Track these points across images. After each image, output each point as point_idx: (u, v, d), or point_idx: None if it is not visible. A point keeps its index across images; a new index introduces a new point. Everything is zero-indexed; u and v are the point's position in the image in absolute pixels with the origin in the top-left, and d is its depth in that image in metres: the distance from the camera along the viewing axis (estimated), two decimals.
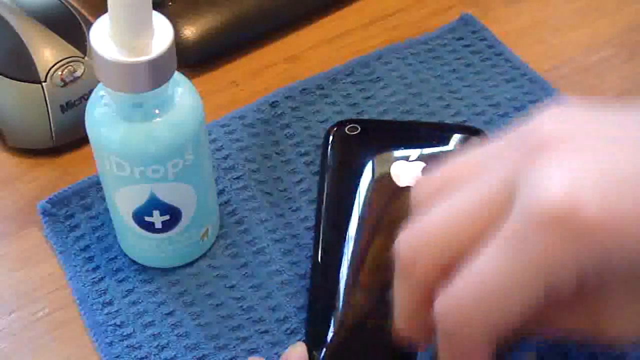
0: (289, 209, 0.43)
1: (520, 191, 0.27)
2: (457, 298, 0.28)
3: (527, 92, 0.48)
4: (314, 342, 0.36)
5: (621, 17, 0.53)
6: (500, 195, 0.28)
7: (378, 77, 0.49)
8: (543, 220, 0.26)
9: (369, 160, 0.42)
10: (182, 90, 0.35)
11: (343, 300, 0.37)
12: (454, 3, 0.54)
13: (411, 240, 0.30)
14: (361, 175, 0.42)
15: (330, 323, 0.37)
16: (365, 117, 0.47)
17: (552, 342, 0.36)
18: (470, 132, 0.44)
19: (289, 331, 0.38)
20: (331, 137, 0.44)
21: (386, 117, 0.47)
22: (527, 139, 0.28)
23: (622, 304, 0.29)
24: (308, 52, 0.51)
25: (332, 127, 0.45)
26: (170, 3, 0.49)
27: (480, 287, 0.28)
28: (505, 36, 0.51)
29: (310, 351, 0.36)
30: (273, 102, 0.47)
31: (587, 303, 0.29)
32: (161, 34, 0.33)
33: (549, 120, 0.29)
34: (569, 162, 0.27)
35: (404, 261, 0.30)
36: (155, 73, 0.33)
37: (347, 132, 0.44)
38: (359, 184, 0.41)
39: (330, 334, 0.36)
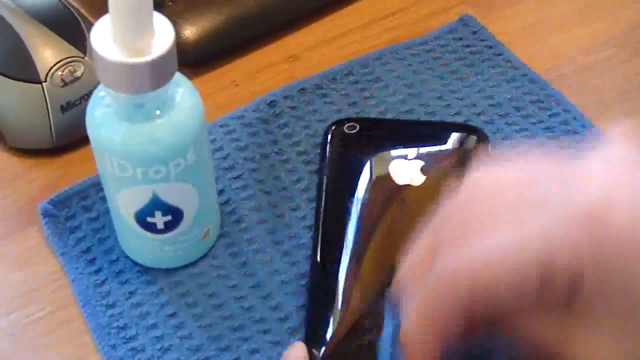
0: (288, 207, 0.43)
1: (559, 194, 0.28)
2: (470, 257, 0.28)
3: (527, 92, 0.48)
4: (313, 341, 0.36)
5: (621, 17, 0.53)
6: None
7: (377, 77, 0.49)
8: (575, 211, 0.27)
9: (367, 159, 0.42)
10: (182, 91, 0.35)
11: (342, 299, 0.37)
12: (454, 3, 0.54)
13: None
14: (360, 174, 0.42)
15: (329, 322, 0.37)
16: (365, 117, 0.47)
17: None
18: (469, 131, 0.44)
19: (290, 330, 0.38)
20: (330, 136, 0.44)
21: (385, 117, 0.47)
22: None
23: (599, 334, 0.28)
24: (308, 52, 0.51)
25: (331, 125, 0.45)
26: (170, 3, 0.49)
27: (493, 251, 0.28)
28: (505, 36, 0.51)
29: (310, 350, 0.36)
30: (271, 102, 0.47)
31: (567, 319, 0.29)
32: (162, 34, 0.33)
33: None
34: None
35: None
36: (157, 74, 0.33)
37: (345, 130, 0.44)
38: (357, 183, 0.41)
39: (329, 333, 0.36)
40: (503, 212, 0.29)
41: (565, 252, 0.27)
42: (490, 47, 0.50)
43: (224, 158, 0.45)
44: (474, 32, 0.51)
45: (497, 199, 0.29)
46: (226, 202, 0.43)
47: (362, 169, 0.42)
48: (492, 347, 0.31)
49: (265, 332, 0.38)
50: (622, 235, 0.26)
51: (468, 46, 0.50)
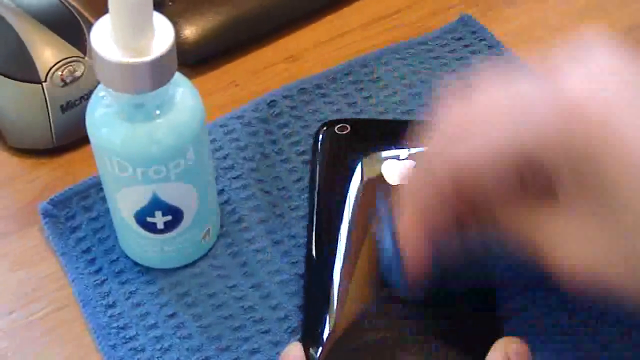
0: (288, 207, 0.43)
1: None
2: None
3: None
4: (310, 340, 0.36)
5: (621, 17, 0.53)
6: None
7: (377, 77, 0.49)
8: (554, 108, 0.29)
9: (359, 160, 0.42)
10: (182, 91, 0.35)
11: (338, 300, 0.37)
12: (454, 3, 0.54)
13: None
14: (352, 174, 0.42)
15: (326, 322, 0.37)
16: (364, 117, 0.47)
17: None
18: None
19: (289, 330, 0.38)
20: (321, 137, 0.44)
21: (385, 117, 0.47)
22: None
23: (574, 222, 0.30)
24: (308, 52, 0.51)
25: (322, 126, 0.45)
26: (170, 3, 0.49)
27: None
28: (505, 36, 0.51)
29: (306, 350, 0.36)
30: (271, 102, 0.47)
31: (546, 209, 0.31)
32: (162, 34, 0.33)
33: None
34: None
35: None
36: (157, 74, 0.33)
37: (336, 131, 0.44)
38: (349, 184, 0.41)
39: (326, 332, 0.36)
40: (492, 121, 0.31)
41: (542, 145, 0.29)
42: (490, 47, 0.50)
43: (224, 158, 0.45)
44: (474, 32, 0.51)
45: (488, 113, 0.32)
46: (226, 202, 0.43)
47: (354, 170, 0.42)
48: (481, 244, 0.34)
49: (265, 332, 0.38)
50: (597, 132, 0.28)
51: (468, 46, 0.50)
